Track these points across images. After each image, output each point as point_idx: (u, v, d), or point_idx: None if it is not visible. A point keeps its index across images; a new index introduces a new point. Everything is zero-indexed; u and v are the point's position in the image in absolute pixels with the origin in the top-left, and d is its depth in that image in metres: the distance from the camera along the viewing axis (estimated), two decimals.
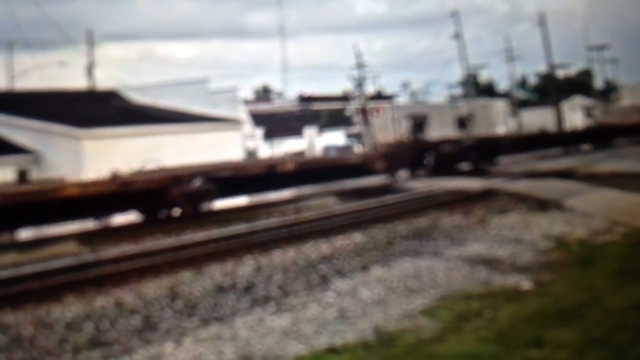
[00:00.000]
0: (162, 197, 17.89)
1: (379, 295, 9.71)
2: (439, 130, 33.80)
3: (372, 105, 51.07)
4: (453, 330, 8.14)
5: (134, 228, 17.17)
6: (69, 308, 9.44)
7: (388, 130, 40.23)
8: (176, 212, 18.50)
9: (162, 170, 21.24)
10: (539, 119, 50.02)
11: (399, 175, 27.71)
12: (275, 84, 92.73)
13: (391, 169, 26.89)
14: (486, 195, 19.10)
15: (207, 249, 12.75)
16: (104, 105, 31.99)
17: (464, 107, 38.55)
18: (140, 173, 20.60)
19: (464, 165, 30.55)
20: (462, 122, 34.37)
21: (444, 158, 29.64)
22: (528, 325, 8.12)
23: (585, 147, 41.83)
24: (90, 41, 46.40)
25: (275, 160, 23.16)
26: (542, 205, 17.12)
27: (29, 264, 12.44)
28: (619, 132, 44.98)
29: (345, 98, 63.83)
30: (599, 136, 43.47)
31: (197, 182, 18.39)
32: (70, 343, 8.15)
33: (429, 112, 35.88)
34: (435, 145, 30.61)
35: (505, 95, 68.67)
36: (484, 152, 31.78)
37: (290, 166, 22.52)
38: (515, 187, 20.02)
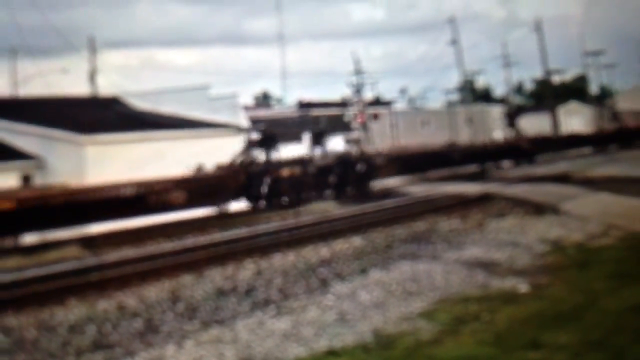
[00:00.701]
0: None
1: (378, 299, 9.79)
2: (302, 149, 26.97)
3: (370, 111, 51.12)
4: (451, 333, 8.20)
5: None
6: (72, 311, 9.53)
7: (386, 135, 39.77)
8: None
9: None
10: (535, 124, 49.99)
11: (223, 208, 20.80)
12: (275, 90, 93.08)
13: (199, 202, 20.06)
14: (483, 200, 19.21)
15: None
16: (106, 112, 32.10)
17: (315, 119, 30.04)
18: None
19: (324, 194, 23.71)
20: (318, 137, 26.24)
21: (285, 185, 22.55)
22: (526, 328, 8.18)
23: (506, 164, 35.93)
24: (92, 48, 46.54)
25: None
26: (539, 209, 17.23)
27: (32, 268, 12.55)
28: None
29: (344, 104, 63.91)
30: (521, 152, 36.74)
31: None
32: (73, 346, 8.23)
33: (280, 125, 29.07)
34: (277, 168, 23.04)
35: (501, 100, 68.82)
36: (349, 176, 24.77)
37: (6, 205, 15.78)
38: (512, 191, 20.14)
